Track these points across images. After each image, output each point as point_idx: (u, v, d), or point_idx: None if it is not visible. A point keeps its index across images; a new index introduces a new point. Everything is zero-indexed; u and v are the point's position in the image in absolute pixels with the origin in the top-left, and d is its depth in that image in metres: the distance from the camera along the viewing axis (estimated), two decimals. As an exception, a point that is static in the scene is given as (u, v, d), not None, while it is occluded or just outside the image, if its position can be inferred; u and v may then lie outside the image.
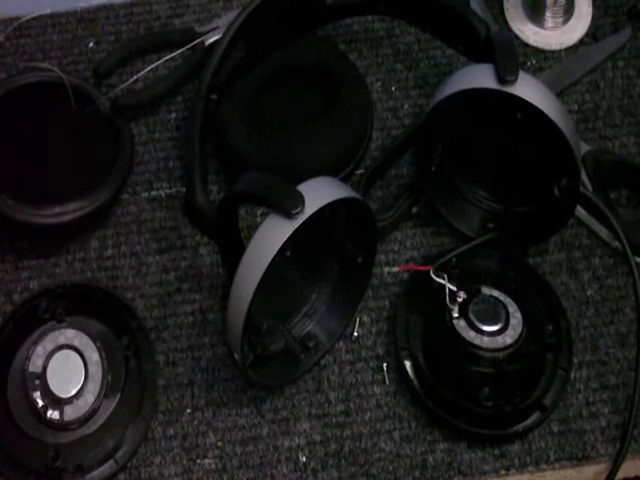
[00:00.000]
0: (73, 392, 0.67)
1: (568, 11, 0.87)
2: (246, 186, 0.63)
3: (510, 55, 0.67)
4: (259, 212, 0.78)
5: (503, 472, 0.69)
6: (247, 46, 0.77)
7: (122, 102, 0.79)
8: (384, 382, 0.72)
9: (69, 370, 0.67)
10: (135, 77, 0.82)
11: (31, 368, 0.67)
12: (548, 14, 0.86)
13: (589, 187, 0.76)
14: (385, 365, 0.73)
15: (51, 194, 0.74)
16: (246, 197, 0.65)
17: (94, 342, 0.68)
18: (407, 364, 0.71)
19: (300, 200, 0.60)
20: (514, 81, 0.65)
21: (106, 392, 0.68)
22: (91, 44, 0.86)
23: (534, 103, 0.65)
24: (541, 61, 0.85)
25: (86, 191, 0.74)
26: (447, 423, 0.69)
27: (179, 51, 0.83)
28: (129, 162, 0.77)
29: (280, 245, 0.60)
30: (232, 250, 0.65)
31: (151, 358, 0.71)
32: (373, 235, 0.70)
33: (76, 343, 0.68)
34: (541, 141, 0.68)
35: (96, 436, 0.67)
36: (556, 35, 0.86)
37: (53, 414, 0.67)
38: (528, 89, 0.66)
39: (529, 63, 0.85)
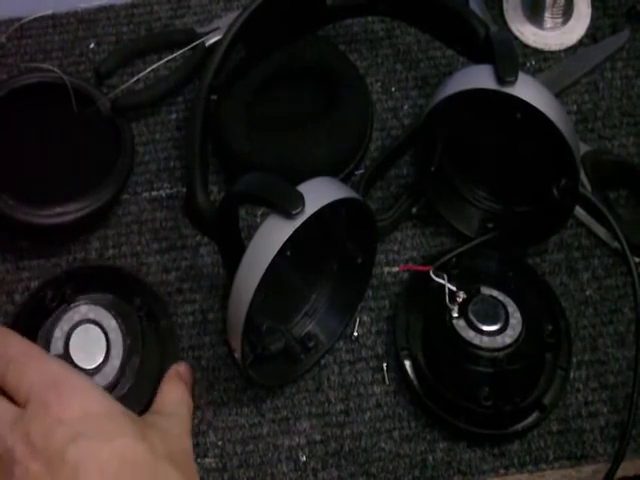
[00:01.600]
0: (100, 360, 0.68)
1: (567, 12, 0.87)
2: (246, 186, 0.63)
3: (510, 56, 0.67)
4: (259, 212, 0.78)
5: (502, 471, 0.69)
6: (247, 46, 0.77)
7: (123, 102, 0.79)
8: (384, 382, 0.72)
9: (91, 341, 0.68)
10: (136, 78, 0.82)
11: (53, 351, 0.67)
12: (547, 15, 0.86)
13: (588, 187, 0.76)
14: (385, 365, 0.73)
15: (52, 194, 0.74)
16: (246, 197, 0.65)
17: (108, 311, 0.69)
18: (407, 364, 0.71)
19: (300, 200, 0.60)
20: (513, 82, 0.65)
21: (129, 354, 0.69)
22: (92, 45, 0.86)
23: (533, 104, 0.65)
24: (540, 62, 0.85)
25: (87, 191, 0.74)
26: (447, 423, 0.69)
27: (180, 52, 0.83)
28: (130, 162, 0.77)
29: (280, 245, 0.60)
30: (232, 250, 0.65)
31: (165, 314, 0.72)
32: (373, 235, 0.70)
33: (91, 316, 0.69)
34: (540, 141, 0.68)
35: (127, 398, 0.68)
36: (555, 36, 0.87)
37: None
38: (527, 90, 0.66)
39: (528, 64, 0.85)
